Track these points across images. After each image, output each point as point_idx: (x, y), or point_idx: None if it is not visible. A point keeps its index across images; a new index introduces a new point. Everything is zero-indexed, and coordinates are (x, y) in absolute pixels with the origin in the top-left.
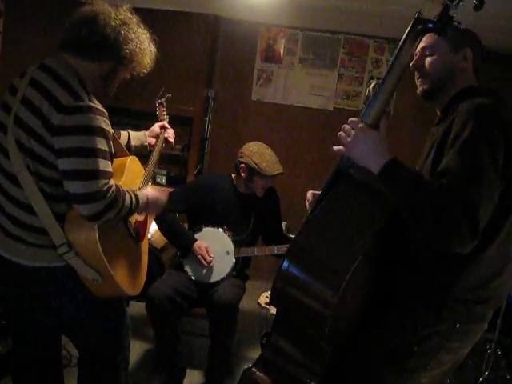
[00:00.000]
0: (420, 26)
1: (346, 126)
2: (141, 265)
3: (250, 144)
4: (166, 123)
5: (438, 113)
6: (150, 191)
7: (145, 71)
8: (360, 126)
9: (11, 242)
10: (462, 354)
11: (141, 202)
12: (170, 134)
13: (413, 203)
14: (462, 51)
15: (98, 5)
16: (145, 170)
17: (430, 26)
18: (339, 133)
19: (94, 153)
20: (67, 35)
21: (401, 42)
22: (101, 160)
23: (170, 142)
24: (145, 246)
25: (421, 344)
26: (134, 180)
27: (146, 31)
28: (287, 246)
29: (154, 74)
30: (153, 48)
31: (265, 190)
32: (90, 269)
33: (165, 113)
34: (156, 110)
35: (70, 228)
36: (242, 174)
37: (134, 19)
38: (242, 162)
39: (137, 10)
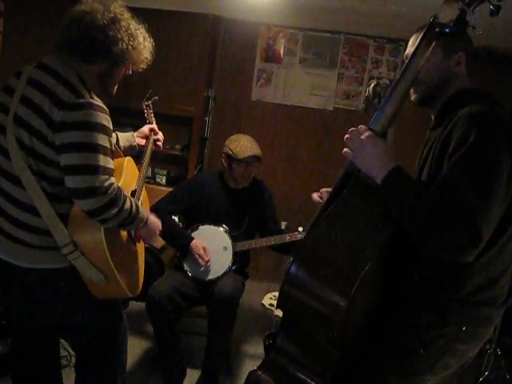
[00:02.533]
0: (436, 30)
1: (354, 132)
2: (139, 266)
3: (233, 135)
4: (155, 126)
5: (433, 118)
6: (151, 215)
7: (144, 66)
8: (367, 134)
9: (11, 244)
10: (469, 357)
11: (141, 214)
12: (159, 137)
13: (413, 213)
14: (455, 56)
15: (88, 4)
16: (139, 171)
17: (447, 30)
18: (346, 136)
19: (95, 148)
20: (60, 37)
21: (415, 47)
22: (101, 156)
23: (158, 147)
24: (141, 248)
25: (426, 347)
26: (130, 181)
27: (139, 26)
28: (283, 235)
29: (155, 74)
30: (149, 42)
31: (247, 178)
32: (95, 269)
33: (152, 115)
34: (144, 113)
35: (74, 228)
36: (225, 165)
37: (126, 15)
38: (222, 153)
39: (137, 10)
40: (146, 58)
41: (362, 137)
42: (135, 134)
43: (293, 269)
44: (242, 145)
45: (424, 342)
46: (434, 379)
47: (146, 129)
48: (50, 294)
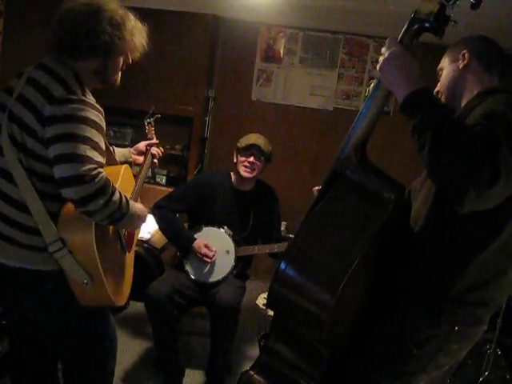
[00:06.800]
0: (416, 26)
1: (383, 49)
2: (127, 276)
3: None
4: (153, 141)
5: None
6: (139, 205)
7: (141, 52)
8: (399, 45)
9: (1, 242)
10: (461, 356)
11: (131, 208)
12: (158, 152)
13: (442, 131)
14: (459, 56)
15: (70, 1)
16: (135, 183)
17: (427, 25)
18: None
19: (81, 139)
20: (50, 38)
21: (398, 40)
22: (88, 147)
23: (154, 163)
24: (130, 258)
25: (420, 347)
26: (126, 188)
27: (127, 13)
28: (286, 243)
29: (155, 74)
30: (139, 27)
31: (248, 170)
32: (81, 270)
33: (153, 132)
34: (145, 129)
35: (64, 226)
36: (234, 161)
37: (110, 5)
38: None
39: (137, 10)
40: (141, 45)
41: (393, 48)
42: (131, 150)
43: (282, 267)
44: (248, 136)
45: (417, 342)
46: (426, 379)
47: (141, 145)
48: (36, 296)
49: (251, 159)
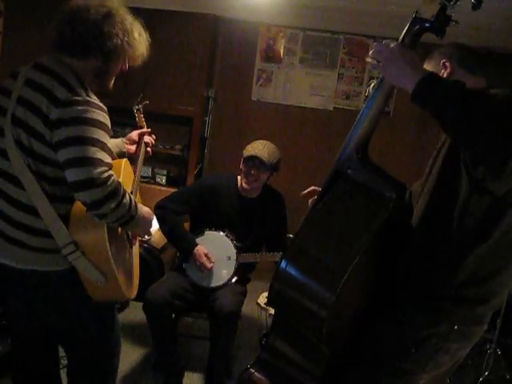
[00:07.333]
0: (417, 26)
1: (382, 44)
2: (134, 268)
3: None
4: (144, 130)
5: None
6: (144, 208)
7: (140, 61)
8: (397, 43)
9: (9, 246)
10: (461, 355)
11: (138, 210)
12: (150, 140)
13: (463, 111)
14: (439, 67)
15: None
16: (134, 174)
17: (427, 25)
18: (371, 51)
19: (91, 141)
20: (54, 33)
21: (399, 41)
22: (98, 149)
23: (148, 153)
24: (136, 249)
25: (419, 346)
26: (127, 183)
27: (135, 21)
28: None
29: (155, 74)
30: (144, 37)
31: (249, 180)
32: (95, 270)
33: (143, 119)
34: (135, 117)
35: (76, 228)
36: (240, 167)
37: (121, 10)
38: None
39: (137, 10)
40: (142, 54)
41: (392, 45)
42: (124, 139)
43: (283, 265)
44: (253, 145)
45: (416, 341)
46: (427, 378)
47: (134, 134)
48: (47, 296)
49: (252, 171)
